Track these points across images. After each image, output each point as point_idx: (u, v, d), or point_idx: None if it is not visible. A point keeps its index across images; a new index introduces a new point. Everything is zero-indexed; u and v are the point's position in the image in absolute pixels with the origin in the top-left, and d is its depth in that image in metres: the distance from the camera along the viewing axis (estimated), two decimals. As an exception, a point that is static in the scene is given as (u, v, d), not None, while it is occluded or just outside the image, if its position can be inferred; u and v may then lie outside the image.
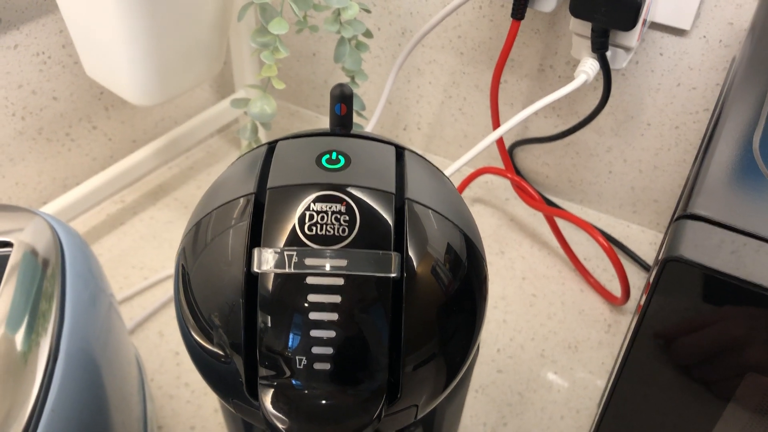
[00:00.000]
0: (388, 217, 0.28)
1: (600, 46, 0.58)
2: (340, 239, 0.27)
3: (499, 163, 0.76)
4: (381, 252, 0.27)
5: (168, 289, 0.67)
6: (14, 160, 0.69)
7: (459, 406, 0.44)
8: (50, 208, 0.65)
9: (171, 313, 0.65)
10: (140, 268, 0.69)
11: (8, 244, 0.41)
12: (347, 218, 0.28)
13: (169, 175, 0.81)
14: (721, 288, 0.30)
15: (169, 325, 0.64)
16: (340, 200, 0.28)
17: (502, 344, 0.63)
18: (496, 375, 0.60)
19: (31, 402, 0.34)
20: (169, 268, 0.69)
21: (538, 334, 0.64)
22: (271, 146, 0.32)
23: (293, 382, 0.28)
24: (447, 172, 0.66)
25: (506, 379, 0.60)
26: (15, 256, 0.40)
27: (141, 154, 0.72)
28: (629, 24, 0.54)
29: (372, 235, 0.28)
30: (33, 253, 0.41)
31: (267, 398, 0.28)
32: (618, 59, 0.60)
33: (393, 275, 0.27)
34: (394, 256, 0.27)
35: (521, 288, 0.68)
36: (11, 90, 0.65)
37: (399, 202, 0.29)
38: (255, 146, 0.66)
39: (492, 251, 0.72)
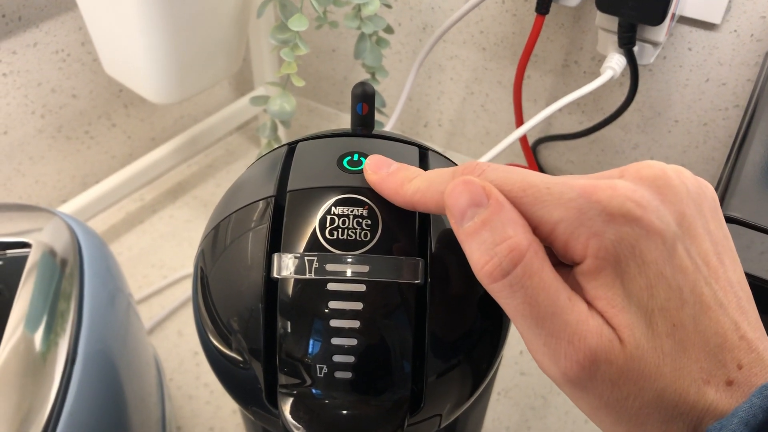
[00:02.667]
0: (412, 222, 0.27)
1: (627, 42, 0.56)
2: (362, 244, 0.26)
3: (522, 161, 0.75)
4: (404, 258, 0.26)
5: (187, 289, 0.67)
6: (34, 158, 0.69)
7: (482, 410, 0.43)
8: (69, 207, 0.65)
9: (190, 312, 0.65)
10: (159, 266, 0.69)
11: (27, 245, 0.40)
12: (369, 222, 0.27)
13: (189, 173, 0.81)
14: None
15: (188, 324, 0.63)
16: (362, 204, 0.27)
17: (525, 346, 0.62)
18: (520, 378, 0.59)
19: (50, 403, 0.34)
20: (189, 267, 0.68)
21: (562, 336, 0.63)
22: (291, 147, 0.31)
23: (313, 391, 0.27)
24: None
25: (530, 381, 0.59)
26: (33, 257, 0.40)
27: (160, 151, 0.72)
28: (658, 18, 0.53)
29: (395, 240, 0.27)
30: (51, 253, 0.41)
31: (286, 407, 0.27)
32: (645, 55, 0.58)
33: (416, 282, 0.26)
34: (418, 262, 0.26)
35: (544, 288, 0.67)
36: (31, 88, 0.65)
37: (422, 205, 0.28)
38: (275, 145, 0.65)
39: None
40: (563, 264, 0.23)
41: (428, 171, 0.25)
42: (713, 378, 0.21)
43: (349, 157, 0.29)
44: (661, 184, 0.22)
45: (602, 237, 0.21)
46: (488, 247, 0.22)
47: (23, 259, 0.39)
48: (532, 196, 0.22)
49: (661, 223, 0.21)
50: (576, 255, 0.21)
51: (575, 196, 0.21)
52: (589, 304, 0.22)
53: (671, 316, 0.21)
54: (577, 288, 0.22)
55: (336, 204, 0.27)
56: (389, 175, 0.26)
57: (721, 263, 0.22)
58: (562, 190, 0.21)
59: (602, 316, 0.21)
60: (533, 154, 0.76)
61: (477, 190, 0.22)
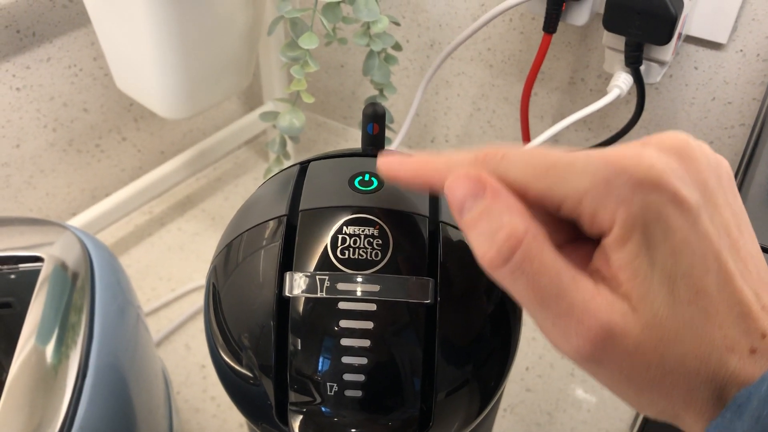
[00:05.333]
0: (422, 241, 0.28)
1: (634, 61, 0.57)
2: (373, 264, 0.27)
3: (528, 177, 0.75)
4: (414, 278, 0.27)
5: (195, 302, 0.67)
6: (45, 171, 0.69)
7: (488, 427, 0.43)
8: (79, 219, 0.66)
9: (198, 325, 0.65)
10: (167, 279, 0.69)
11: (39, 259, 0.41)
12: (380, 242, 0.27)
13: (197, 187, 0.82)
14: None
15: (195, 337, 0.64)
16: (373, 224, 0.27)
17: (531, 362, 0.62)
18: (525, 394, 0.59)
19: (61, 415, 0.34)
20: (197, 280, 0.69)
21: (568, 352, 0.63)
22: (303, 167, 0.32)
23: (323, 409, 0.27)
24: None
25: (535, 398, 0.59)
26: (45, 270, 0.40)
27: (169, 165, 0.73)
28: (664, 38, 0.53)
29: (405, 259, 0.27)
30: (63, 266, 0.41)
31: (296, 424, 0.28)
32: (652, 73, 0.58)
33: (427, 301, 0.27)
34: (428, 282, 0.27)
35: (550, 304, 0.67)
36: (43, 102, 0.66)
37: (432, 225, 0.28)
38: (284, 159, 0.66)
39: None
40: (583, 241, 0.23)
41: (449, 152, 0.25)
42: (737, 345, 0.21)
43: (361, 177, 0.30)
44: (684, 154, 0.22)
45: (630, 204, 0.21)
46: (487, 237, 0.22)
47: (35, 273, 0.40)
48: (555, 175, 0.22)
49: (687, 190, 0.21)
50: (604, 225, 0.22)
51: (602, 166, 0.21)
52: (609, 277, 0.22)
53: (695, 282, 0.21)
54: (603, 262, 0.22)
55: (347, 224, 0.28)
56: (409, 156, 0.26)
57: (741, 234, 0.23)
58: (587, 162, 0.22)
59: (622, 286, 0.21)
60: (540, 170, 0.76)
61: (473, 181, 0.23)
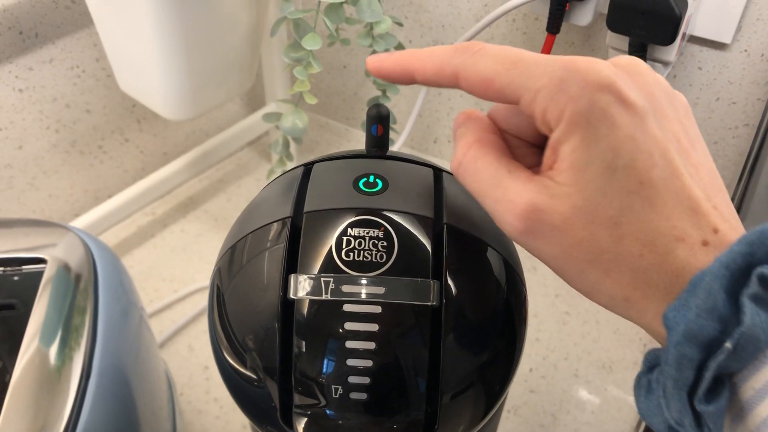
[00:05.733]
0: (427, 243, 0.27)
1: (637, 61, 0.56)
2: (378, 266, 0.27)
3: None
4: (419, 280, 0.27)
5: (198, 303, 0.67)
6: (48, 172, 0.69)
7: (492, 429, 0.43)
8: (82, 221, 0.66)
9: (201, 326, 0.65)
10: (170, 280, 0.69)
11: (42, 261, 0.41)
12: (385, 244, 0.27)
13: (200, 188, 0.82)
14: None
15: (198, 338, 0.64)
16: (377, 225, 0.27)
17: (534, 363, 0.62)
18: (529, 395, 0.59)
19: (65, 418, 0.34)
20: (199, 281, 0.69)
21: (572, 354, 0.63)
22: (308, 168, 0.32)
23: (328, 411, 0.27)
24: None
25: (539, 399, 0.59)
26: (49, 272, 0.40)
27: (172, 166, 0.73)
28: (668, 39, 0.53)
29: (410, 261, 0.27)
30: (66, 268, 0.41)
31: (301, 426, 0.28)
32: (656, 74, 0.58)
33: (431, 303, 0.26)
34: (433, 284, 0.27)
35: (554, 305, 0.67)
36: (46, 103, 0.66)
37: (437, 227, 0.28)
38: (287, 160, 0.65)
39: (525, 267, 0.71)
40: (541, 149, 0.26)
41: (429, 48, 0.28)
42: (688, 237, 0.23)
43: (365, 179, 0.29)
44: (633, 71, 0.25)
45: (577, 101, 0.23)
46: (456, 149, 0.27)
47: (39, 274, 0.40)
48: (520, 69, 0.24)
49: (634, 94, 0.23)
50: (553, 120, 0.24)
51: (559, 67, 0.24)
52: (550, 168, 0.24)
53: (638, 174, 0.23)
54: (548, 155, 0.25)
55: (352, 225, 0.27)
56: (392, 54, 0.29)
57: (692, 147, 0.24)
58: (548, 62, 0.24)
59: (559, 174, 0.24)
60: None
61: (465, 115, 0.28)
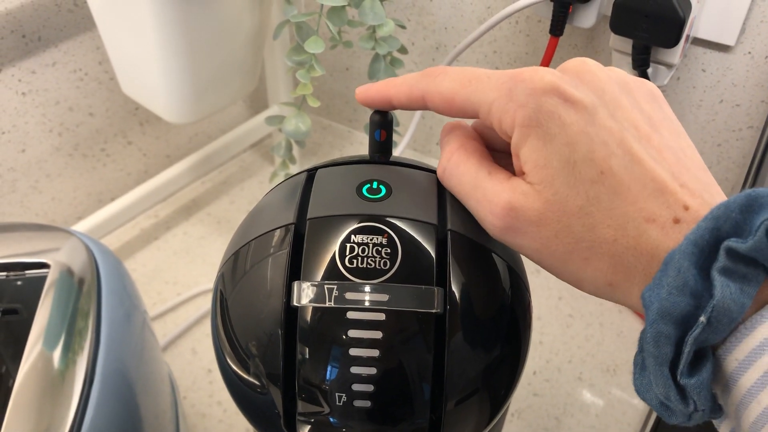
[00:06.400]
0: (431, 250, 0.27)
1: (641, 63, 0.56)
2: (382, 273, 0.27)
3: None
4: (423, 287, 0.26)
5: (201, 306, 0.67)
6: (51, 175, 0.69)
7: (496, 433, 0.43)
8: (85, 224, 0.66)
9: (204, 329, 0.65)
10: (173, 283, 0.69)
11: (45, 265, 0.41)
12: (389, 251, 0.27)
13: (203, 190, 0.82)
14: None
15: (202, 342, 0.64)
16: (381, 232, 0.27)
17: (538, 366, 0.62)
18: (533, 398, 0.59)
19: (68, 422, 0.34)
20: (202, 284, 0.69)
21: (576, 357, 0.62)
22: (311, 174, 0.31)
23: (331, 419, 0.27)
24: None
25: (543, 402, 0.59)
26: (52, 276, 0.40)
27: (175, 169, 0.73)
28: (672, 41, 0.53)
29: (414, 268, 0.27)
30: (69, 272, 0.41)
31: (305, 434, 0.27)
32: (659, 76, 0.58)
33: (435, 311, 0.26)
34: (437, 291, 0.27)
35: (557, 308, 0.67)
36: (49, 107, 0.66)
37: (441, 233, 0.28)
38: (289, 163, 0.65)
39: (528, 270, 0.71)
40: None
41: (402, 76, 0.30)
42: (658, 218, 0.24)
43: (368, 185, 0.29)
44: (581, 70, 0.26)
45: (526, 107, 0.25)
46: (441, 157, 0.29)
47: (42, 279, 0.40)
48: (476, 85, 0.27)
49: (579, 93, 0.25)
50: (508, 128, 0.26)
51: (506, 80, 0.26)
52: (520, 171, 0.26)
53: (597, 164, 0.24)
54: (516, 161, 0.26)
55: (355, 232, 0.27)
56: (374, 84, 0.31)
57: (655, 132, 0.25)
58: (498, 77, 0.26)
59: (528, 175, 0.25)
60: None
61: (451, 125, 0.30)
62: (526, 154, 0.25)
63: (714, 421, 0.25)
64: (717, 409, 0.24)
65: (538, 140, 0.25)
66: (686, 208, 0.24)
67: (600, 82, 0.26)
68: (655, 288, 0.23)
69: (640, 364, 0.25)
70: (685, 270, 0.22)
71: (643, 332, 0.24)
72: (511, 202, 0.25)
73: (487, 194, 0.26)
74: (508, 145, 0.27)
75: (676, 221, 0.23)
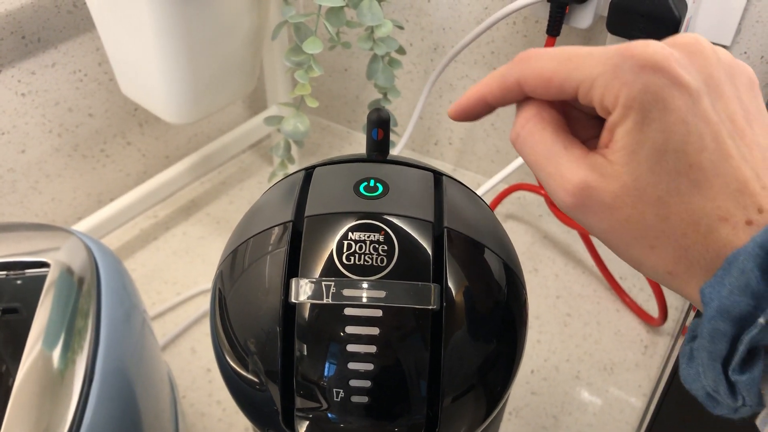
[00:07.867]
0: (427, 247, 0.28)
1: (638, 63, 0.56)
2: (379, 270, 0.27)
3: (532, 179, 0.75)
4: (420, 283, 0.27)
5: (200, 305, 0.67)
6: (50, 176, 0.70)
7: (494, 431, 0.43)
8: (85, 224, 0.66)
9: (203, 329, 0.65)
10: (173, 283, 0.70)
11: (45, 264, 0.41)
12: (385, 248, 0.27)
13: (202, 191, 0.82)
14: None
15: (201, 341, 0.64)
16: (378, 229, 0.28)
17: (536, 365, 0.62)
18: (531, 397, 0.59)
19: (68, 421, 0.34)
20: (202, 284, 0.69)
21: (573, 355, 0.63)
22: (309, 172, 0.32)
23: (329, 415, 0.27)
24: (481, 190, 0.65)
25: (540, 401, 0.59)
26: (52, 276, 0.40)
27: (174, 169, 0.73)
28: (668, 41, 0.53)
29: (410, 265, 0.27)
30: (69, 271, 0.41)
31: (303, 430, 0.28)
32: (656, 76, 0.58)
33: (432, 307, 0.27)
34: (433, 288, 0.27)
35: (555, 307, 0.67)
36: (48, 107, 0.66)
37: (437, 231, 0.29)
38: (288, 163, 0.66)
39: (525, 269, 0.71)
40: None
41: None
42: (732, 217, 0.23)
43: (366, 183, 0.30)
44: (693, 49, 0.25)
45: (631, 86, 0.24)
46: (515, 122, 0.28)
47: (42, 278, 0.40)
48: (576, 61, 0.25)
49: (688, 75, 0.24)
50: (610, 105, 0.25)
51: (613, 54, 0.24)
52: (605, 149, 0.25)
53: (688, 158, 0.24)
54: (605, 137, 0.25)
55: (353, 230, 0.28)
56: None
57: (749, 126, 0.25)
58: (602, 51, 0.25)
59: (613, 154, 0.25)
60: (544, 172, 0.76)
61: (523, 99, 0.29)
62: (620, 133, 0.24)
63: None
64: (763, 404, 0.24)
65: (636, 123, 0.24)
66: (761, 210, 0.23)
67: (709, 66, 0.25)
68: (716, 285, 0.23)
69: (687, 355, 0.25)
70: (749, 271, 0.22)
71: (698, 326, 0.24)
72: (587, 181, 0.25)
73: (560, 169, 0.26)
74: (588, 117, 0.27)
75: (749, 223, 0.23)
